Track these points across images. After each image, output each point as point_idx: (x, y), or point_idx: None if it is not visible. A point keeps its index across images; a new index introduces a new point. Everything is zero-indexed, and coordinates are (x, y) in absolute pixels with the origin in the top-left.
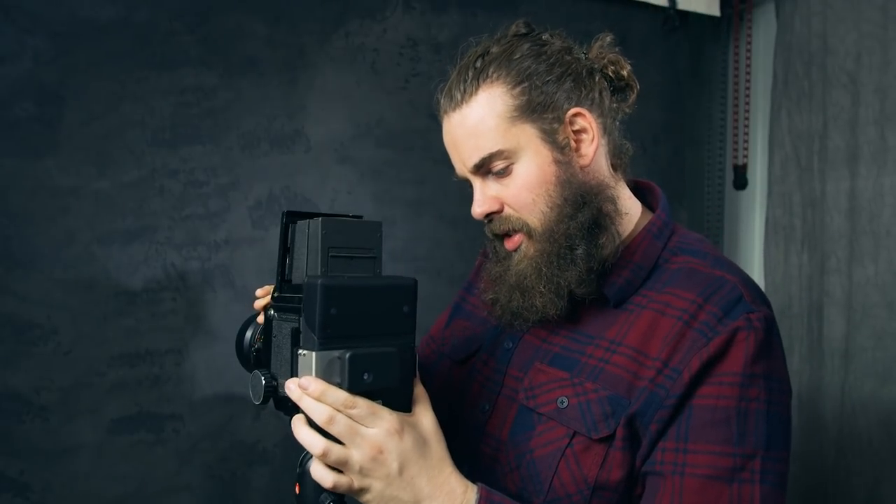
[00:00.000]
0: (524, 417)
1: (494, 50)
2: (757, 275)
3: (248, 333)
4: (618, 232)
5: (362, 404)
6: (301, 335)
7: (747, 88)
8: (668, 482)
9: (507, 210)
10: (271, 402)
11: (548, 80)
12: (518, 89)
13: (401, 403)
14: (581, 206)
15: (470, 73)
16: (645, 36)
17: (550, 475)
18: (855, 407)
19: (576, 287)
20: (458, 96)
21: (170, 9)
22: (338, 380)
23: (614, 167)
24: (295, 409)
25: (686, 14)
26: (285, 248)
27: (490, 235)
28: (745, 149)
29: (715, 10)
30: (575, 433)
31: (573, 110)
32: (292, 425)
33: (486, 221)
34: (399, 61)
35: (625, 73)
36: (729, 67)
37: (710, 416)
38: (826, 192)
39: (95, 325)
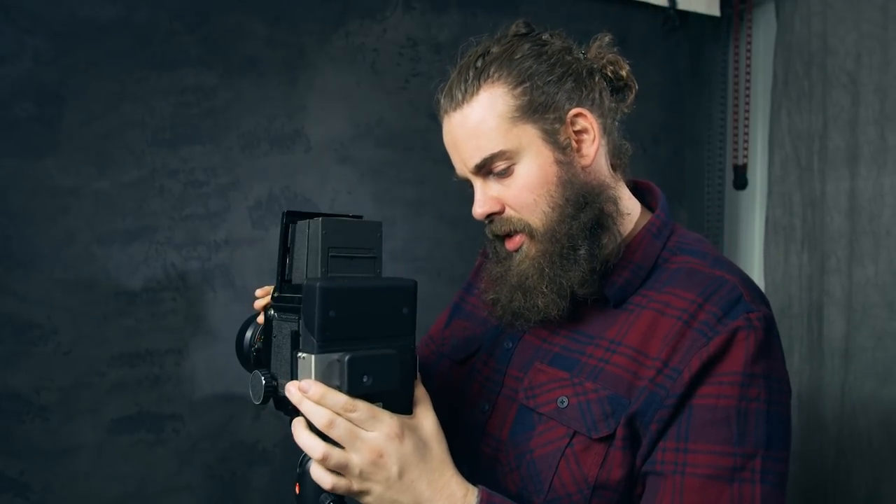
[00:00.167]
0: (524, 417)
1: (495, 50)
2: (757, 275)
3: (248, 333)
4: (619, 232)
5: (362, 408)
6: (300, 338)
7: (747, 88)
8: (668, 482)
9: (509, 211)
10: (271, 402)
11: (549, 81)
12: (519, 89)
13: (401, 405)
14: (583, 206)
15: (471, 73)
16: (645, 36)
17: (551, 475)
18: (855, 407)
19: (578, 287)
20: (459, 96)
21: (170, 9)
22: (337, 383)
23: (614, 167)
24: (295, 410)
25: (686, 14)
26: (285, 248)
27: (491, 236)
28: (745, 149)
29: (715, 10)
30: (575, 433)
31: (574, 110)
32: (292, 428)
33: (486, 222)
34: (399, 61)
35: (624, 73)
36: (729, 67)
37: (710, 416)
38: (826, 192)
39: (95, 325)
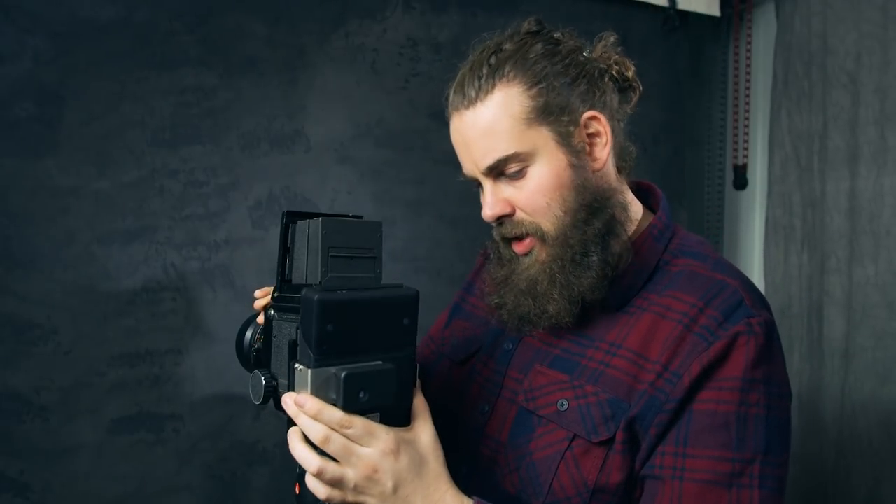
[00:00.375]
0: (524, 419)
1: (508, 47)
2: (757, 275)
3: (248, 333)
4: (628, 238)
5: (358, 424)
6: (298, 348)
7: (747, 88)
8: (666, 486)
9: (520, 213)
10: (271, 402)
11: (564, 82)
12: (534, 90)
13: (399, 417)
14: (596, 211)
15: (484, 70)
16: (645, 36)
17: (550, 478)
18: (855, 407)
19: (588, 294)
20: (473, 93)
21: (170, 9)
22: (333, 397)
23: (619, 169)
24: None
25: (686, 14)
26: (285, 248)
27: (499, 238)
28: (745, 149)
29: (715, 10)
30: (575, 436)
31: (588, 113)
32: (289, 440)
33: (495, 224)
34: (399, 61)
35: (629, 74)
36: (729, 67)
37: (709, 421)
38: (826, 192)
39: (95, 325)
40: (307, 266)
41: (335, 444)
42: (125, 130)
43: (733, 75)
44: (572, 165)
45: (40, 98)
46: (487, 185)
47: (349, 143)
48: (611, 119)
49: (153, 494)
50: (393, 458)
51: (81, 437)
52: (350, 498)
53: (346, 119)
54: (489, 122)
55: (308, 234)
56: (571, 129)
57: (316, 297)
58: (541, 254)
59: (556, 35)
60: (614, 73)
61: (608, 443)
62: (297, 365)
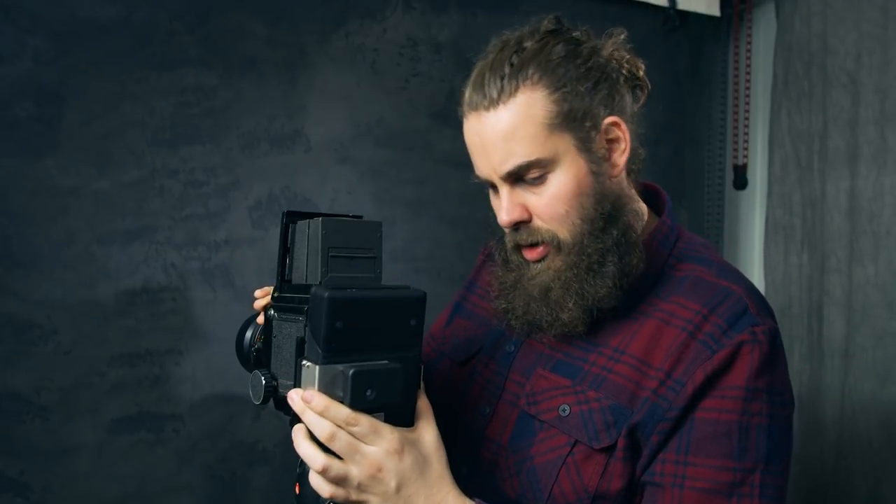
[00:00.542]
0: (525, 423)
1: (529, 46)
2: (757, 275)
3: (248, 333)
4: (642, 247)
5: (364, 422)
6: (306, 345)
7: (747, 88)
8: (667, 494)
9: (537, 221)
10: (271, 402)
11: (586, 87)
12: (557, 94)
13: (403, 417)
14: (613, 219)
15: (506, 70)
16: (645, 36)
17: (551, 483)
18: (855, 407)
19: (602, 303)
20: (494, 94)
21: (170, 9)
22: (340, 394)
23: (628, 172)
24: (296, 415)
25: (686, 14)
26: (285, 248)
27: (511, 245)
28: (745, 149)
29: (715, 10)
30: (576, 442)
31: (609, 119)
32: (293, 436)
33: (509, 230)
34: (399, 61)
35: (640, 73)
36: (729, 67)
37: (711, 430)
38: (826, 192)
39: (95, 325)
40: (307, 266)
41: (341, 442)
42: (125, 130)
43: (733, 75)
44: (593, 172)
45: (40, 98)
46: (504, 190)
47: (349, 143)
48: (628, 123)
49: (153, 494)
50: (397, 458)
51: (81, 437)
52: (353, 496)
53: (346, 119)
54: (511, 126)
55: (308, 234)
56: (593, 134)
57: (326, 295)
58: (554, 261)
59: (576, 34)
60: (625, 72)
61: (610, 449)
62: (304, 361)
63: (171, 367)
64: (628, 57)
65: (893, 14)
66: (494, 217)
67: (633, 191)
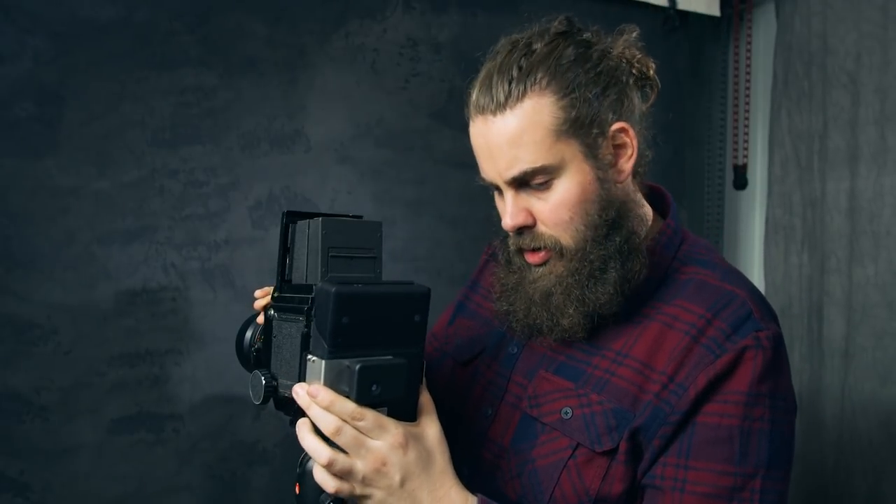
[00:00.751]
0: (527, 425)
1: (538, 48)
2: (757, 275)
3: (248, 333)
4: (645, 252)
5: (369, 416)
6: (311, 340)
7: (747, 88)
8: (667, 497)
9: (541, 226)
10: (271, 402)
11: (595, 93)
12: (566, 100)
13: (406, 412)
14: (617, 226)
15: (514, 73)
16: (645, 36)
17: (552, 485)
18: (855, 407)
19: (603, 309)
20: (502, 97)
21: (170, 9)
22: (346, 389)
23: (633, 175)
24: (299, 411)
25: (686, 14)
26: (285, 248)
27: (514, 248)
28: (745, 149)
29: (715, 10)
30: (578, 445)
31: (617, 125)
32: (297, 431)
33: (512, 234)
34: (399, 61)
35: (651, 72)
36: (729, 67)
37: (713, 434)
38: (826, 192)
39: (95, 325)
40: (307, 266)
41: (346, 436)
42: (125, 130)
43: (733, 75)
44: (598, 179)
45: (40, 98)
46: (509, 194)
47: (349, 143)
48: (636, 127)
49: (153, 494)
50: (401, 452)
51: (81, 437)
52: (358, 490)
53: (346, 119)
54: (518, 132)
55: (308, 234)
56: (600, 141)
57: (333, 290)
58: (556, 266)
59: (586, 36)
60: (635, 71)
61: (611, 453)
62: (309, 356)
63: (171, 367)
64: (639, 56)
65: (893, 14)
66: (498, 217)
67: (639, 194)
